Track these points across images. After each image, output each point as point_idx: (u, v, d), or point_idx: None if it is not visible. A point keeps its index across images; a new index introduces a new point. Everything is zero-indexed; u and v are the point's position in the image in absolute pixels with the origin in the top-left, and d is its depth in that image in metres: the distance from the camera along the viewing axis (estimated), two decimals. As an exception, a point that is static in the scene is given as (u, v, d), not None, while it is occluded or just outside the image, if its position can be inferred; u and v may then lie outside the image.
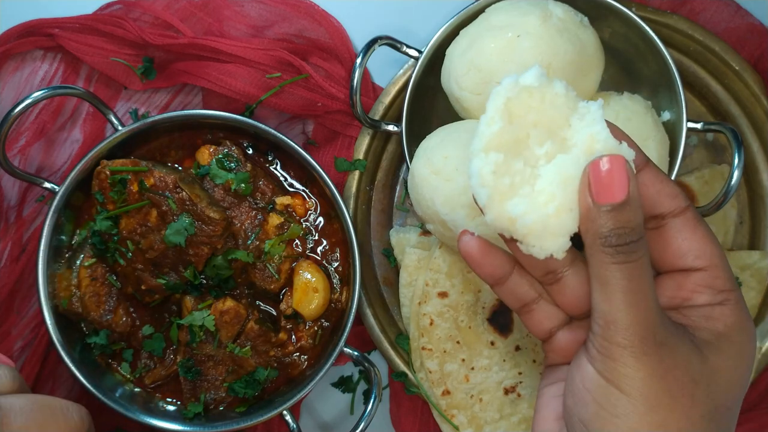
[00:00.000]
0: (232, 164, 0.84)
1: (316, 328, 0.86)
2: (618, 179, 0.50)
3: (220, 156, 0.84)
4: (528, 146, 0.54)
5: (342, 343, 0.83)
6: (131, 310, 0.85)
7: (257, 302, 0.86)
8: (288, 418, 0.83)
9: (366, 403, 0.83)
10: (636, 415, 0.51)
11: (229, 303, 0.83)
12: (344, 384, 0.91)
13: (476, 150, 0.53)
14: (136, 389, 0.86)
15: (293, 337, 0.86)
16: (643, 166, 0.55)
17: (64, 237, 0.85)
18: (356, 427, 0.81)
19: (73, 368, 0.81)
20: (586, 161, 0.52)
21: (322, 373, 0.83)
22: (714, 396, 0.53)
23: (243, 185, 0.83)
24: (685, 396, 0.51)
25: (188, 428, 0.82)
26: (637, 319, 0.51)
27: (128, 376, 0.86)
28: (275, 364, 0.85)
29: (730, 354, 0.54)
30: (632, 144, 0.56)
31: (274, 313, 0.86)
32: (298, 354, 0.86)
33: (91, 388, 0.81)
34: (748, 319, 0.56)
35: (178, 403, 0.86)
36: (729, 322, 0.54)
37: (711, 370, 0.53)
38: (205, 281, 0.84)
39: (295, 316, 0.85)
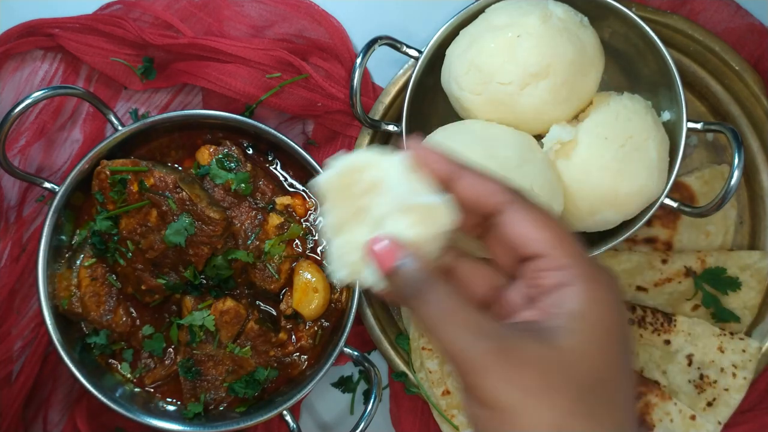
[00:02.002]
0: (232, 164, 0.84)
1: (316, 328, 0.86)
2: (382, 258, 0.53)
3: (220, 156, 0.84)
4: (368, 210, 0.55)
5: (342, 343, 0.83)
6: (131, 310, 0.85)
7: (257, 302, 0.86)
8: (288, 418, 0.83)
9: (366, 403, 0.83)
10: (507, 425, 0.51)
11: (229, 303, 0.83)
12: (344, 384, 0.91)
13: (326, 239, 0.56)
14: (136, 389, 0.86)
15: (293, 337, 0.86)
16: (460, 173, 0.55)
17: (64, 237, 0.85)
18: (356, 427, 0.81)
19: (73, 368, 0.81)
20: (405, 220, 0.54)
21: (322, 373, 0.83)
22: (576, 376, 0.51)
23: (243, 185, 0.83)
24: (543, 390, 0.51)
25: (188, 428, 0.82)
26: (459, 348, 0.51)
27: (128, 376, 0.86)
28: (275, 364, 0.85)
29: (585, 329, 0.52)
30: (438, 159, 0.55)
31: (274, 313, 0.86)
32: (298, 354, 0.86)
33: (91, 388, 0.81)
34: (602, 289, 0.53)
35: (178, 403, 0.86)
36: (578, 298, 0.53)
37: (564, 353, 0.52)
38: (205, 281, 0.84)
39: (295, 316, 0.85)
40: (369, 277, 0.54)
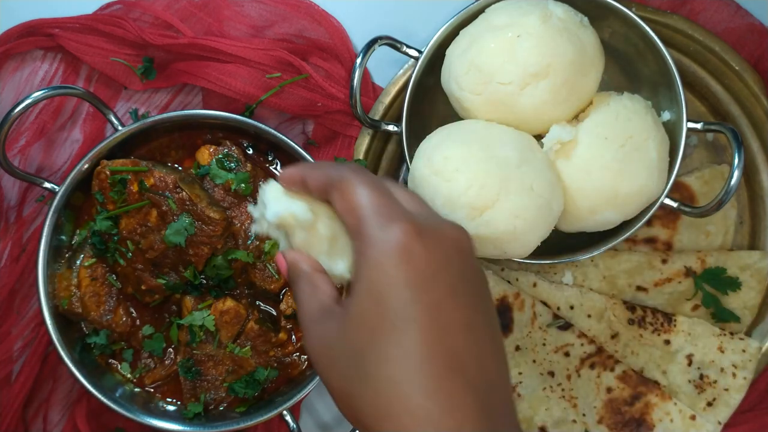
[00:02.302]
0: (232, 164, 0.84)
1: (316, 328, 0.86)
2: (283, 268, 0.63)
3: (220, 156, 0.84)
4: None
5: (342, 343, 0.83)
6: (131, 310, 0.86)
7: (257, 302, 0.86)
8: (288, 418, 0.83)
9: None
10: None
11: (229, 303, 0.83)
12: (344, 384, 0.91)
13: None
14: (136, 389, 0.86)
15: (293, 337, 0.86)
16: (308, 173, 0.60)
17: (64, 237, 0.85)
18: (355, 427, 0.81)
19: (73, 368, 0.81)
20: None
21: (322, 373, 0.83)
22: (349, 340, 0.54)
23: (243, 185, 0.83)
24: (331, 360, 0.55)
25: (188, 428, 0.82)
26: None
27: (128, 376, 0.86)
28: (275, 364, 0.85)
29: (359, 297, 0.54)
30: (292, 176, 0.62)
31: (274, 313, 0.86)
32: (298, 354, 0.86)
33: (90, 388, 0.81)
34: (366, 245, 0.54)
35: (179, 403, 0.86)
36: (356, 265, 0.55)
37: (348, 319, 0.54)
38: (205, 281, 0.84)
39: (296, 316, 0.85)
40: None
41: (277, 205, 0.62)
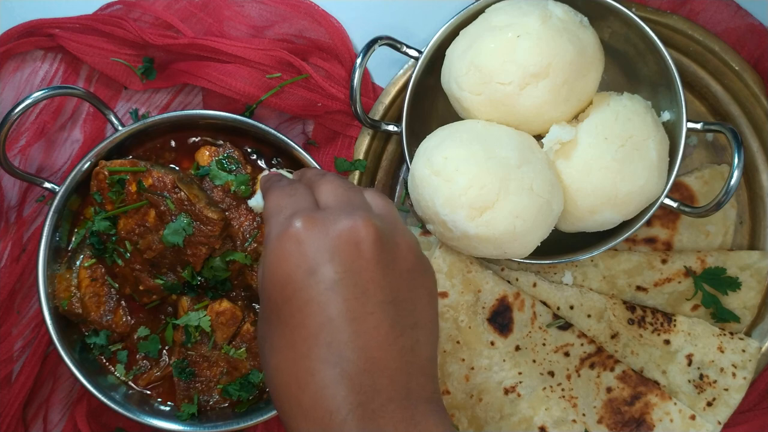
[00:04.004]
0: (233, 166, 0.84)
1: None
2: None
3: (220, 157, 0.84)
4: None
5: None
6: (127, 311, 0.85)
7: (253, 304, 0.86)
8: (288, 418, 0.83)
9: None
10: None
11: (226, 304, 0.83)
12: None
13: None
14: (130, 391, 0.86)
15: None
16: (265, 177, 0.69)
17: (64, 237, 0.85)
18: None
19: (73, 368, 0.81)
20: None
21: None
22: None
23: (243, 187, 0.83)
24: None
25: (189, 428, 0.82)
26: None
27: (122, 377, 0.85)
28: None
29: (261, 279, 0.59)
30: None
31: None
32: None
33: (91, 388, 0.81)
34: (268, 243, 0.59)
35: (171, 404, 0.86)
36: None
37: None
38: (202, 282, 0.84)
39: None
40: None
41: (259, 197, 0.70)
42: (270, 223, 0.60)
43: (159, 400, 0.86)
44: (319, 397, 0.53)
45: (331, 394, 0.53)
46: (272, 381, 0.57)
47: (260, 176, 0.70)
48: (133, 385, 0.86)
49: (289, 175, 0.70)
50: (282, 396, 0.56)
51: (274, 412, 0.82)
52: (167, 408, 0.86)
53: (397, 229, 0.60)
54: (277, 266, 0.57)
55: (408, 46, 0.84)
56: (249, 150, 0.87)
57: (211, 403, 0.85)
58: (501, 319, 0.86)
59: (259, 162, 0.87)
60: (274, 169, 0.81)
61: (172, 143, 0.87)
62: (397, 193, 0.93)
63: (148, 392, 0.86)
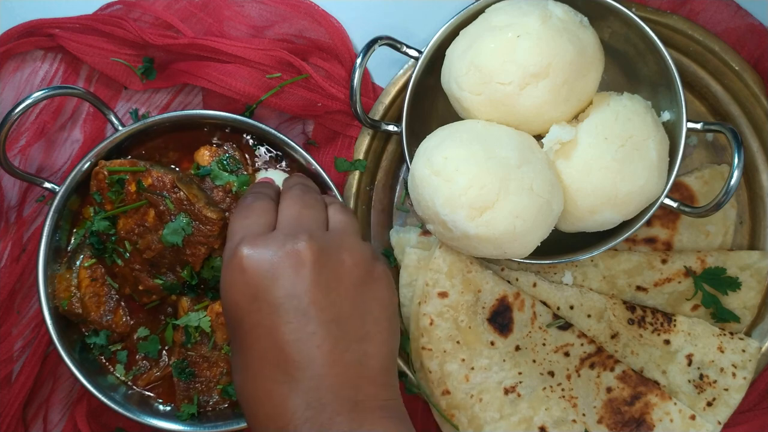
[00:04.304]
0: (234, 166, 0.84)
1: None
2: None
3: (221, 158, 0.84)
4: None
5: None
6: (127, 311, 0.85)
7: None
8: (288, 418, 0.83)
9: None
10: None
11: (226, 304, 0.83)
12: (344, 384, 0.91)
13: None
14: (130, 391, 0.86)
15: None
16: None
17: (63, 237, 0.85)
18: None
19: (73, 368, 0.81)
20: None
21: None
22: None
23: (244, 188, 0.83)
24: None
25: (189, 428, 0.82)
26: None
27: (122, 377, 0.85)
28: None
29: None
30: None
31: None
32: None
33: (91, 388, 0.81)
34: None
35: (172, 405, 0.86)
36: None
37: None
38: (201, 283, 0.84)
39: None
40: None
41: None
42: (225, 248, 0.65)
43: (159, 400, 0.86)
44: (274, 413, 0.58)
45: (283, 410, 0.58)
46: (237, 396, 0.63)
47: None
48: (132, 385, 0.86)
49: (281, 176, 0.73)
50: (245, 410, 0.62)
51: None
52: (167, 408, 0.86)
53: (342, 246, 0.63)
54: (225, 293, 0.62)
55: (408, 46, 0.84)
56: (248, 138, 0.87)
57: (210, 403, 0.85)
58: (501, 319, 0.86)
59: (258, 153, 0.87)
60: (266, 175, 0.81)
61: (172, 143, 0.87)
62: (397, 193, 0.93)
63: (148, 392, 0.86)
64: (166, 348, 0.86)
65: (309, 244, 0.61)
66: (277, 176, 0.84)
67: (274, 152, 0.87)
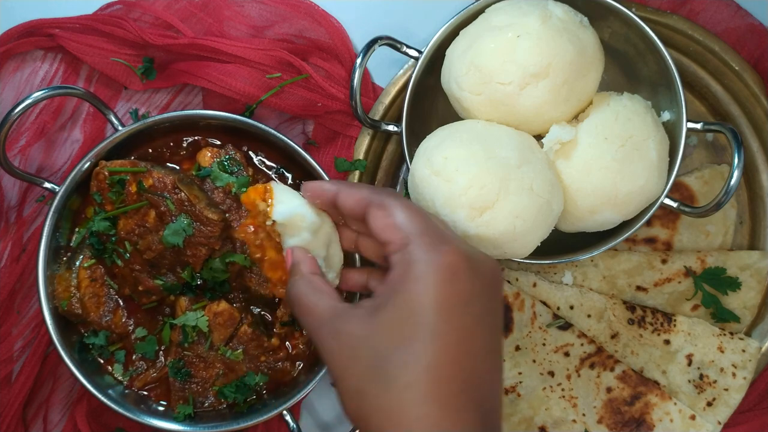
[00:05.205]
0: (234, 168, 0.84)
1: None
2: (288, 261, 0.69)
3: (222, 159, 0.84)
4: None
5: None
6: (126, 311, 0.85)
7: (251, 307, 0.86)
8: (288, 418, 0.83)
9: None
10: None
11: (224, 305, 0.83)
12: (344, 384, 0.91)
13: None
14: (127, 391, 0.85)
15: (288, 343, 0.86)
16: (338, 190, 0.67)
17: (63, 238, 0.85)
18: (356, 427, 0.81)
19: (73, 368, 0.81)
20: None
21: (321, 374, 0.83)
22: (375, 342, 0.57)
23: (244, 189, 0.83)
24: (351, 359, 0.57)
25: (189, 428, 0.82)
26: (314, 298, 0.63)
27: (119, 377, 0.85)
28: (266, 370, 0.85)
29: (398, 302, 0.57)
30: (321, 186, 0.69)
31: (269, 318, 0.86)
32: (290, 360, 0.86)
33: (91, 388, 0.81)
34: (424, 257, 0.58)
35: (164, 404, 0.86)
36: (398, 273, 0.59)
37: (368, 325, 0.58)
38: (200, 283, 0.84)
39: (292, 323, 0.85)
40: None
41: (290, 204, 0.68)
42: (420, 248, 0.59)
43: (160, 402, 0.86)
44: (455, 421, 0.55)
45: (465, 420, 0.56)
46: (399, 397, 0.56)
47: (275, 185, 0.70)
48: (128, 386, 0.85)
49: (286, 190, 0.70)
50: (409, 413, 0.56)
51: (274, 412, 0.82)
52: (163, 409, 0.86)
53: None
54: (432, 292, 0.58)
55: (408, 46, 0.84)
56: (251, 153, 0.87)
57: (206, 405, 0.85)
58: (501, 319, 0.86)
59: (259, 164, 0.87)
60: (272, 183, 0.79)
61: (172, 143, 0.87)
62: (397, 193, 0.93)
63: (146, 393, 0.86)
64: (163, 348, 0.86)
65: (498, 264, 0.63)
66: (292, 200, 0.72)
67: (275, 166, 0.88)
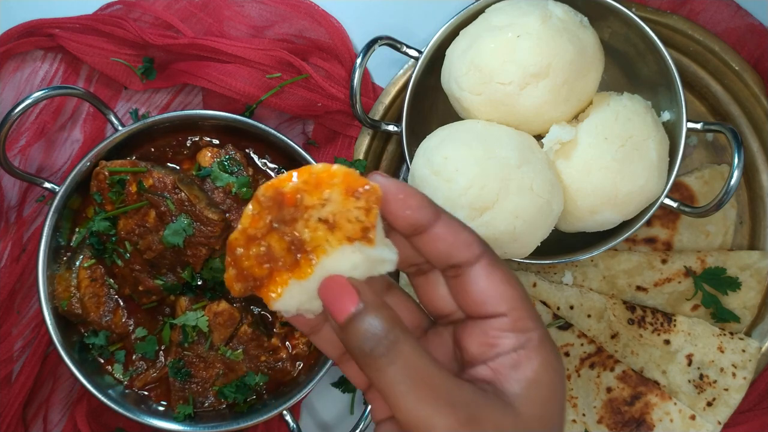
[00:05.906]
0: (234, 168, 0.84)
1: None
2: (339, 300, 0.48)
3: (222, 159, 0.84)
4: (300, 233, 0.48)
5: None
6: (126, 311, 0.85)
7: (251, 307, 0.86)
8: (288, 418, 0.83)
9: (366, 403, 0.83)
10: None
11: (224, 305, 0.83)
12: (344, 384, 0.91)
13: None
14: (127, 390, 0.85)
15: (288, 343, 0.86)
16: (435, 219, 0.52)
17: (63, 238, 0.85)
18: (356, 427, 0.81)
19: (73, 368, 0.81)
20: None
21: (321, 374, 0.82)
22: None
23: (244, 189, 0.83)
24: None
25: (189, 428, 0.82)
26: (428, 413, 0.47)
27: (119, 377, 0.85)
28: (266, 370, 0.85)
29: (542, 397, 0.52)
30: (420, 204, 0.51)
31: (270, 318, 0.86)
32: (290, 360, 0.86)
33: (91, 388, 0.81)
34: (553, 354, 0.53)
35: (164, 404, 0.86)
36: (535, 364, 0.51)
37: (524, 422, 0.50)
38: (200, 283, 0.84)
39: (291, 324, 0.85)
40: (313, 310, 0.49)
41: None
42: (536, 327, 0.52)
43: (160, 402, 0.86)
44: None
45: None
46: None
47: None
48: (128, 386, 0.85)
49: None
50: None
51: (274, 412, 0.82)
52: (163, 409, 0.86)
53: None
54: (559, 385, 0.53)
55: (408, 46, 0.84)
56: (252, 154, 0.87)
57: (206, 405, 0.85)
58: (501, 319, 0.86)
59: (259, 163, 0.87)
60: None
61: (173, 143, 0.87)
62: (397, 193, 0.93)
63: (146, 393, 0.86)
64: (163, 348, 0.86)
65: None
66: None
67: (276, 167, 0.87)
